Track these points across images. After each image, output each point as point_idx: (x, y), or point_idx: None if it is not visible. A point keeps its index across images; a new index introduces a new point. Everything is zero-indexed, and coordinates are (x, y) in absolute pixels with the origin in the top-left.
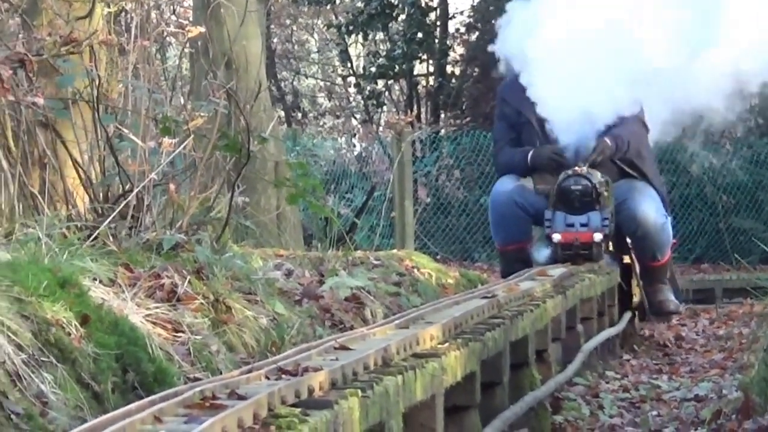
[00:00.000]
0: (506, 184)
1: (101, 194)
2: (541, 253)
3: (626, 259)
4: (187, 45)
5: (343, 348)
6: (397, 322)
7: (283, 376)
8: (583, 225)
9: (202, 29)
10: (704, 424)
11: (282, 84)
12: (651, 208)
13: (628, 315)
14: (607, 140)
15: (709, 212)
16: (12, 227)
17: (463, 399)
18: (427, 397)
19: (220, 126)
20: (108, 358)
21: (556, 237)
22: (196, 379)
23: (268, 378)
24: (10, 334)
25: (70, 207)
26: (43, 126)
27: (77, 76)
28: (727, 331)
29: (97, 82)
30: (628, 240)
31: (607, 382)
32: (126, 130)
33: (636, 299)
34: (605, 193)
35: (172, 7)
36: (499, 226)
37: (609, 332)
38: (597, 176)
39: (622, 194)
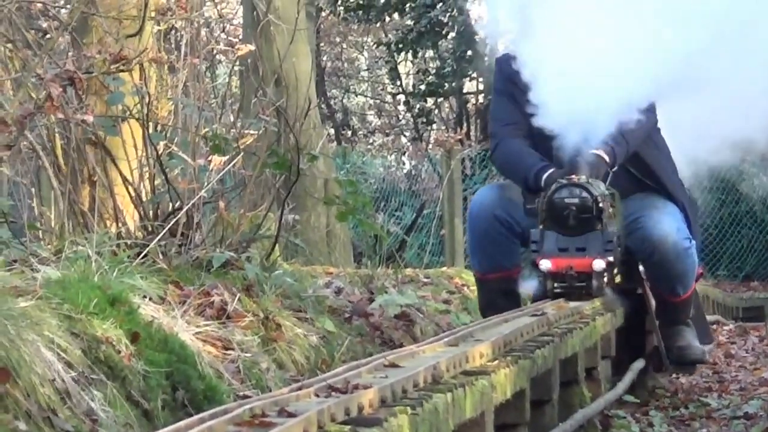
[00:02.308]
0: (487, 194)
1: (151, 212)
2: (527, 284)
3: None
4: (237, 63)
5: (393, 365)
6: (446, 339)
7: (333, 393)
8: (579, 249)
9: (252, 47)
10: None
11: (332, 102)
12: (671, 228)
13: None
14: (602, 153)
15: (759, 230)
16: (62, 245)
17: (512, 417)
18: (476, 414)
19: (269, 144)
20: (158, 376)
21: (545, 264)
22: (246, 397)
23: (317, 395)
24: (60, 352)
25: (120, 225)
26: (93, 144)
27: (127, 94)
28: None
29: (147, 100)
30: (642, 268)
31: (657, 400)
32: (176, 148)
33: (650, 344)
34: (610, 209)
35: (222, 25)
36: (477, 248)
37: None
38: (599, 187)
39: (635, 210)
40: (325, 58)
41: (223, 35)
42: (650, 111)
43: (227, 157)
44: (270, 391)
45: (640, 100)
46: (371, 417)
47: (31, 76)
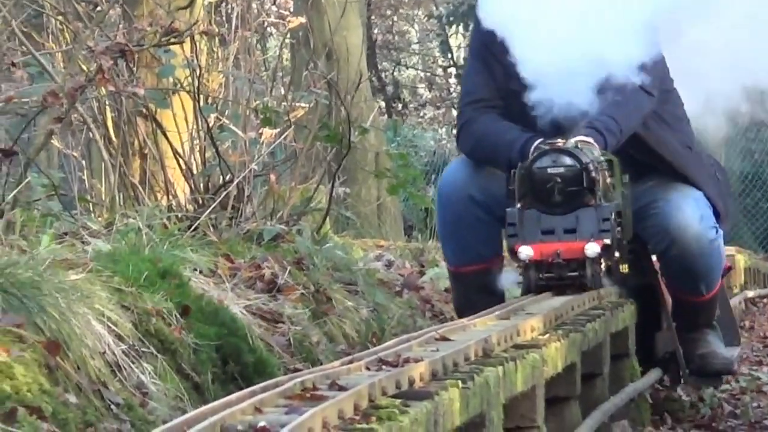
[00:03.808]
0: (460, 170)
1: (202, 185)
2: (506, 277)
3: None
4: (288, 35)
5: (444, 339)
6: (497, 313)
7: (384, 367)
8: (568, 231)
9: (303, 20)
10: None
11: (382, 75)
12: (693, 216)
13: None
14: (586, 137)
15: None
16: (112, 217)
17: (563, 390)
18: (527, 388)
19: (320, 116)
20: (208, 349)
21: (525, 252)
22: (297, 370)
23: (368, 369)
24: (111, 325)
25: (171, 197)
26: (144, 116)
27: (178, 67)
28: None
29: (197, 73)
30: (656, 261)
31: None
32: (227, 121)
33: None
34: (606, 179)
35: None
36: (450, 235)
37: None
38: (591, 152)
39: (649, 193)
40: (376, 31)
41: (273, 8)
42: (651, 85)
43: (278, 129)
44: (321, 364)
45: (634, 59)
46: (422, 390)
47: (82, 49)
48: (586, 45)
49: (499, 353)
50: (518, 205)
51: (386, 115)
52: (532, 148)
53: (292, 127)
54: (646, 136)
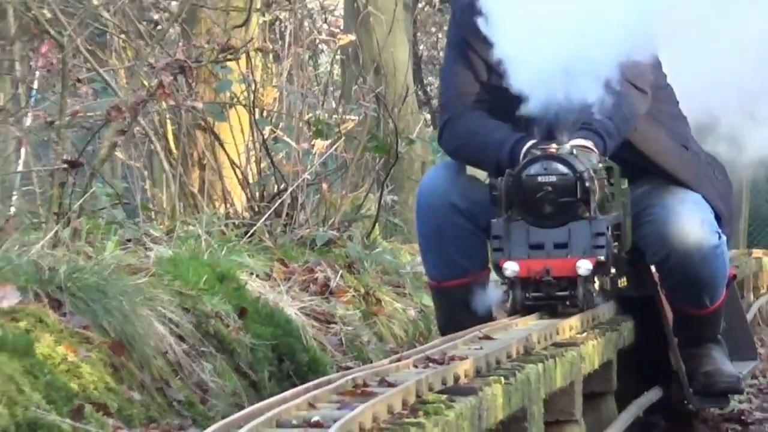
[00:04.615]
0: (441, 175)
1: (257, 193)
2: (490, 294)
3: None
4: (339, 52)
5: (487, 338)
6: (538, 313)
7: (431, 364)
8: (559, 246)
9: (353, 37)
10: None
11: (428, 88)
12: (693, 220)
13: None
14: (584, 141)
15: None
16: (173, 225)
17: (600, 386)
18: (566, 384)
19: (369, 128)
20: (264, 348)
21: (511, 268)
22: (348, 368)
23: (416, 366)
24: (172, 326)
25: (228, 205)
26: (202, 129)
27: (234, 82)
28: None
29: (253, 87)
30: (655, 271)
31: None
32: (281, 133)
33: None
34: (604, 189)
35: (324, 16)
36: (431, 247)
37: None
38: (587, 159)
39: (644, 199)
40: (421, 47)
41: (325, 26)
42: (644, 82)
43: (329, 141)
44: (371, 362)
45: (626, 55)
46: (467, 387)
47: (144, 65)
48: (575, 41)
49: (540, 351)
50: (504, 216)
51: (431, 127)
52: (523, 151)
53: (343, 138)
54: (637, 137)
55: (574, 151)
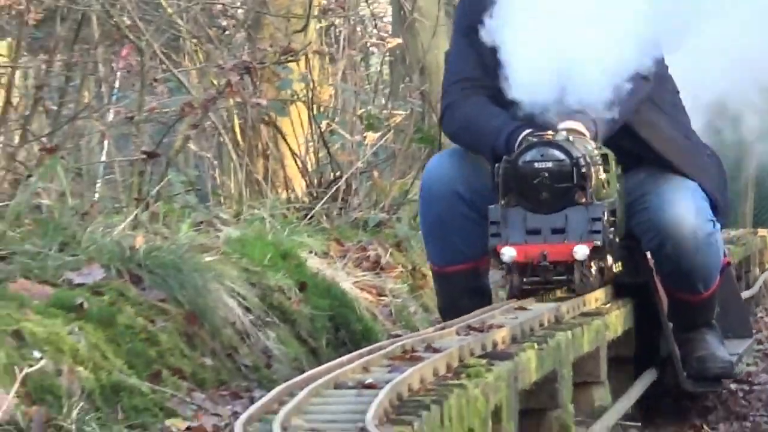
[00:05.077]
0: (444, 164)
1: (316, 180)
2: (494, 277)
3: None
4: (387, 54)
5: (522, 308)
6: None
7: (472, 332)
8: (556, 231)
9: (400, 40)
10: None
11: None
12: (688, 208)
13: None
14: (575, 124)
15: None
16: (240, 209)
17: (623, 351)
18: (592, 349)
19: (415, 122)
20: (322, 319)
21: (509, 253)
22: (397, 336)
23: (458, 334)
24: (240, 299)
25: (290, 191)
26: (266, 123)
27: (294, 81)
28: None
29: (311, 86)
30: (650, 258)
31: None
32: (336, 126)
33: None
34: (601, 175)
35: (374, 21)
36: (433, 234)
37: (746, 294)
38: (583, 145)
39: (640, 186)
40: None
41: (374, 30)
42: (647, 69)
43: (380, 133)
44: (418, 330)
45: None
46: (504, 352)
47: (213, 67)
48: (579, 28)
49: (569, 320)
50: (502, 202)
51: None
52: (520, 138)
53: (392, 131)
54: (638, 124)
55: (570, 138)
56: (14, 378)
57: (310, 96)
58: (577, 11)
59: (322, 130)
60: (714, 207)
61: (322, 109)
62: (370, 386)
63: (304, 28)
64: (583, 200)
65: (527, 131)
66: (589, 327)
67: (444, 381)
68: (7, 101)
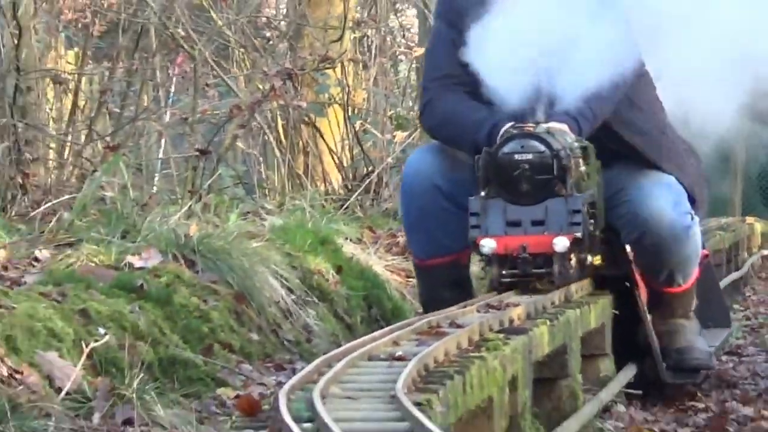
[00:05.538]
0: (425, 158)
1: (350, 174)
2: (472, 272)
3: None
4: (414, 61)
5: (535, 289)
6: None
7: (491, 310)
8: (536, 223)
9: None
10: None
11: None
12: (666, 201)
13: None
14: (560, 125)
15: None
16: (283, 200)
17: None
18: (598, 325)
19: None
20: (357, 298)
21: (488, 245)
22: (424, 313)
23: (479, 311)
24: (283, 280)
25: (327, 184)
26: (306, 123)
27: (331, 86)
28: None
29: (346, 90)
30: (630, 251)
31: (734, 313)
32: (369, 126)
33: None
34: (581, 167)
35: (402, 32)
36: (415, 227)
37: (735, 275)
38: (563, 137)
39: (619, 180)
40: None
41: (403, 40)
42: (625, 72)
43: (408, 132)
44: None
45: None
46: (520, 327)
47: (259, 73)
48: (557, 27)
49: (578, 299)
50: (482, 194)
51: None
52: (501, 132)
53: (418, 130)
54: (616, 121)
55: (551, 130)
56: (81, 352)
57: (345, 99)
58: (555, 15)
59: (356, 129)
60: (692, 201)
61: (356, 111)
62: (399, 358)
63: (340, 39)
64: (563, 192)
65: (509, 125)
66: (595, 305)
67: (466, 353)
68: (75, 104)
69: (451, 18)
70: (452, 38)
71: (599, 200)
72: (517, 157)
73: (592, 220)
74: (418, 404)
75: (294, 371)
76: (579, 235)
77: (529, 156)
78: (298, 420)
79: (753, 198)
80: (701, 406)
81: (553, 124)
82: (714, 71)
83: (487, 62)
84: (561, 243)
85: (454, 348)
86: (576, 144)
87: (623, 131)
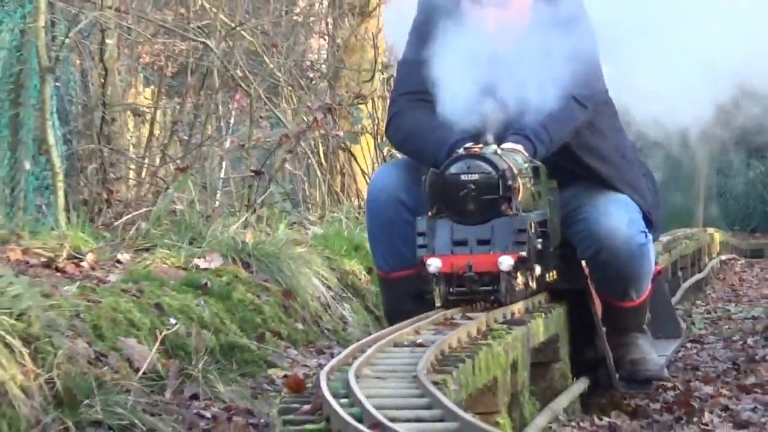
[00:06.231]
0: (390, 173)
1: None
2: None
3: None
4: None
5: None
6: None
7: (496, 306)
8: (482, 243)
9: None
10: (758, 333)
11: None
12: (621, 219)
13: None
14: (516, 144)
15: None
16: (323, 213)
17: None
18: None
19: None
20: None
21: (435, 264)
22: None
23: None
24: (323, 280)
25: (360, 200)
26: (343, 149)
27: (363, 118)
28: None
29: (376, 122)
30: (585, 266)
31: (697, 307)
32: (395, 152)
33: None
34: (529, 187)
35: None
36: (379, 240)
37: (698, 276)
38: (513, 158)
39: (576, 199)
40: None
41: None
42: (585, 97)
43: None
44: None
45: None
46: (520, 319)
47: (303, 107)
48: (520, 57)
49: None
50: (429, 214)
51: None
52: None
53: None
54: (576, 145)
55: (498, 151)
56: (156, 338)
57: (375, 129)
58: (516, 38)
59: (384, 154)
60: (648, 222)
61: (384, 139)
62: (420, 345)
63: (371, 79)
64: (509, 212)
65: (468, 145)
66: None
67: (475, 341)
68: (151, 133)
69: (422, 33)
70: (423, 53)
71: (554, 218)
72: (463, 177)
73: (540, 239)
74: (435, 383)
75: (332, 355)
76: (524, 254)
77: (475, 176)
78: (336, 396)
79: (713, 212)
80: (670, 385)
81: (507, 145)
82: (677, 100)
83: (444, 82)
84: (506, 262)
85: (465, 336)
86: (526, 164)
87: (583, 154)
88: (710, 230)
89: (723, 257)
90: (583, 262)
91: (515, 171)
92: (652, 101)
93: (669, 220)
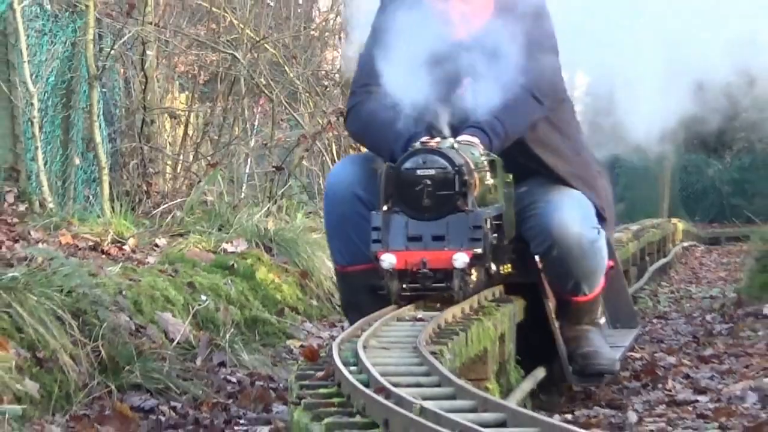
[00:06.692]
0: (346, 168)
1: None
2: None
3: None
4: None
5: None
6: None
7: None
8: (437, 239)
9: None
10: (716, 311)
11: None
12: (574, 215)
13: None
14: (472, 137)
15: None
16: None
17: None
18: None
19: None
20: None
21: (389, 259)
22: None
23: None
24: None
25: None
26: (353, 148)
27: None
28: (727, 260)
29: None
30: (539, 261)
31: (662, 288)
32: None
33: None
34: (488, 180)
35: None
36: (336, 234)
37: (663, 261)
38: (468, 153)
39: (530, 194)
40: None
41: None
42: (543, 92)
43: None
44: None
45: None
46: (506, 298)
47: (319, 111)
48: (479, 50)
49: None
50: (384, 208)
51: None
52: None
53: None
54: (532, 141)
55: (455, 146)
56: (188, 313)
57: None
58: (471, 29)
59: None
60: (601, 219)
61: None
62: (420, 320)
63: None
64: (465, 208)
65: (424, 138)
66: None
67: (468, 316)
68: (185, 133)
69: (384, 25)
70: (383, 45)
71: (509, 212)
72: (419, 172)
73: (495, 234)
74: (433, 353)
75: (343, 328)
76: (479, 251)
77: (431, 171)
78: (346, 364)
79: (677, 204)
80: (638, 356)
81: (463, 137)
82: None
83: (401, 75)
84: (461, 259)
85: (459, 313)
86: (483, 158)
87: (539, 150)
88: (674, 220)
89: (685, 244)
90: (537, 257)
91: (471, 166)
92: (626, 110)
93: (638, 212)
